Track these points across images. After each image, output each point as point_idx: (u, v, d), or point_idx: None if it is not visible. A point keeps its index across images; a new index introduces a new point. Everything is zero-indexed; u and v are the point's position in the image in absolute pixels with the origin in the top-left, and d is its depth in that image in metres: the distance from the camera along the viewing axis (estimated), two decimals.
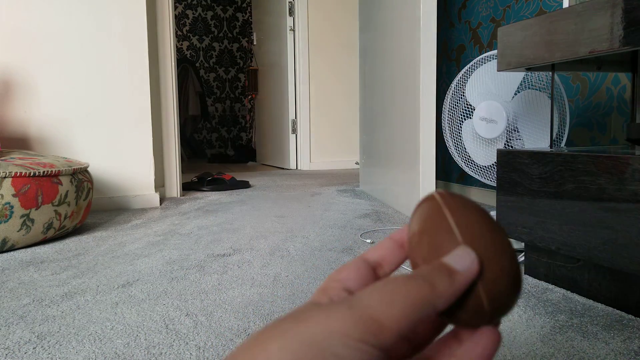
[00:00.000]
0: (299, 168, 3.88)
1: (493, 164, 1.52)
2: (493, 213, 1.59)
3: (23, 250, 1.38)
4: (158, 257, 1.27)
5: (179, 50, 5.74)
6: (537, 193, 1.02)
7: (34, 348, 0.75)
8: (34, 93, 1.93)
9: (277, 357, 0.20)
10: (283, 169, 3.97)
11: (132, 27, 2.04)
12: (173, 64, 2.33)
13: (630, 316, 0.87)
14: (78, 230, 1.63)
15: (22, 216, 1.35)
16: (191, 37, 5.82)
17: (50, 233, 1.45)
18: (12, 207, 1.33)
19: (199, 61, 5.86)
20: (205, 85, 5.85)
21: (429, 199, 0.27)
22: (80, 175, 1.59)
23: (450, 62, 2.27)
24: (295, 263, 1.21)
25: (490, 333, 0.25)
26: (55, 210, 1.44)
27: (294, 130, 3.88)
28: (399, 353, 0.27)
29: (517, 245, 1.22)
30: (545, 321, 0.84)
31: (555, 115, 1.42)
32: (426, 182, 1.70)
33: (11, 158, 1.49)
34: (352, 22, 3.86)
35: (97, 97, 2.01)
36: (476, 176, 1.60)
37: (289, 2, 3.76)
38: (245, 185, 2.72)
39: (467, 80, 1.56)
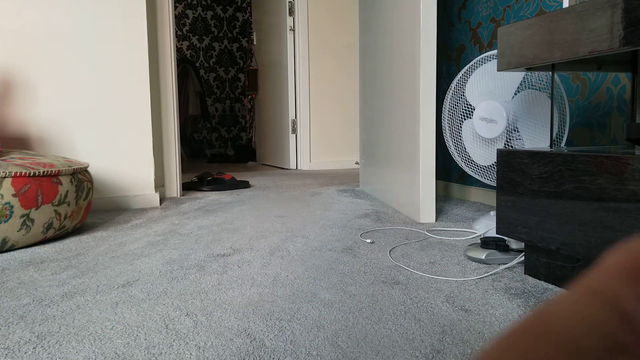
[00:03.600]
0: (299, 168, 3.88)
1: (493, 164, 1.52)
2: (493, 213, 1.59)
3: (23, 250, 1.38)
4: (158, 257, 1.27)
5: (179, 50, 5.74)
6: (537, 193, 1.02)
7: (34, 348, 0.75)
8: (34, 93, 1.93)
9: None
10: (283, 168, 3.97)
11: (132, 27, 2.04)
12: (173, 63, 2.33)
13: None
14: (78, 230, 1.63)
15: (22, 216, 1.35)
16: (191, 37, 5.82)
17: (50, 233, 1.45)
18: (12, 207, 1.33)
19: (199, 61, 5.86)
20: (205, 85, 5.85)
21: None
22: (80, 175, 1.59)
23: (450, 62, 2.27)
24: (295, 263, 1.21)
25: None
26: (55, 210, 1.44)
27: (294, 130, 3.88)
28: None
29: (517, 245, 1.22)
30: None
31: (555, 115, 1.42)
32: (426, 182, 1.70)
33: (11, 158, 1.49)
34: (352, 21, 3.86)
35: (97, 97, 2.01)
36: (476, 176, 1.60)
37: (289, 2, 3.76)
38: (245, 185, 2.72)
39: (467, 80, 1.56)
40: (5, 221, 1.32)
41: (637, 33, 0.78)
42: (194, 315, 0.88)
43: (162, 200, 2.26)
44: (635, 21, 0.78)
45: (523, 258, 1.14)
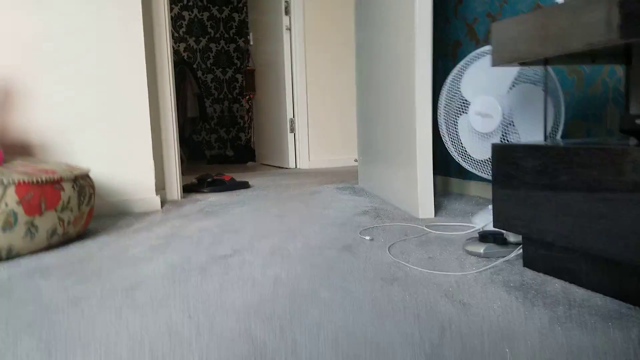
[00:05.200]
0: (298, 167, 3.90)
1: (489, 158, 1.53)
2: (490, 207, 1.60)
3: (28, 257, 1.40)
4: (160, 261, 1.29)
5: (176, 52, 5.74)
6: (532, 186, 1.04)
7: (41, 356, 0.77)
8: (33, 99, 1.94)
9: None
10: (282, 168, 3.98)
11: (129, 31, 2.04)
12: (170, 66, 2.34)
13: (628, 305, 0.88)
14: (81, 236, 1.64)
15: (26, 223, 1.36)
16: (188, 39, 5.82)
17: (55, 239, 1.47)
18: (16, 214, 1.34)
19: (197, 62, 5.87)
20: (203, 87, 5.86)
21: None
22: (82, 181, 1.61)
23: (446, 57, 2.28)
24: (295, 263, 1.22)
25: None
26: (59, 217, 1.46)
27: (292, 129, 3.89)
28: None
29: (514, 238, 1.23)
30: (544, 313, 0.86)
31: (551, 108, 1.42)
32: (424, 178, 1.71)
33: (13, 165, 1.50)
34: (348, 19, 3.86)
35: (96, 102, 2.02)
36: (473, 170, 1.61)
37: (285, 1, 3.77)
38: (244, 185, 2.73)
39: (462, 76, 1.57)
40: (10, 229, 1.33)
41: (630, 26, 0.79)
42: (197, 318, 0.89)
43: (163, 203, 2.27)
44: (628, 14, 0.79)
45: (521, 251, 1.16)
